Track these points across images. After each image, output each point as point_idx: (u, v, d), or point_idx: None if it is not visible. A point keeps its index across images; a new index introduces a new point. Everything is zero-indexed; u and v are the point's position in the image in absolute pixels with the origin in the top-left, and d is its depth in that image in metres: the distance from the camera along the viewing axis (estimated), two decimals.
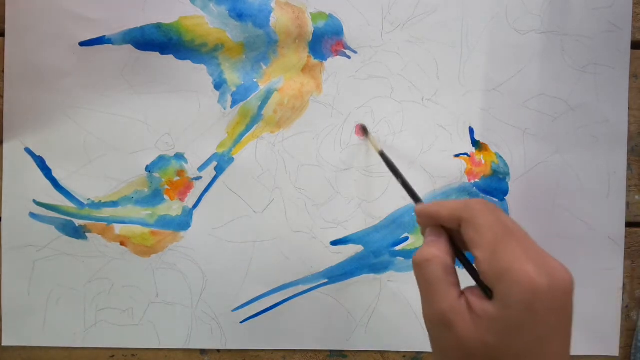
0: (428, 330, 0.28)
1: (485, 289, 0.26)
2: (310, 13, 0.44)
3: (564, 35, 0.45)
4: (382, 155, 0.41)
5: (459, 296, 0.27)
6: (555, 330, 0.25)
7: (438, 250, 0.28)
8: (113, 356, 0.45)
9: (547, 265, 0.25)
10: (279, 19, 0.44)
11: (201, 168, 0.45)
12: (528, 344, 0.25)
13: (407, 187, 0.36)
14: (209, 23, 0.44)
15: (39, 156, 0.44)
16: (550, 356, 0.25)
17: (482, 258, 0.26)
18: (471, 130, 0.45)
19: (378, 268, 0.45)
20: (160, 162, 0.44)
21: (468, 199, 0.28)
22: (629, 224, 0.46)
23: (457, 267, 0.28)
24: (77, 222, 0.44)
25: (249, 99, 0.44)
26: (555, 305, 0.25)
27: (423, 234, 0.31)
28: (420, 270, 0.28)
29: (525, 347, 0.25)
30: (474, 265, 0.27)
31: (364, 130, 0.44)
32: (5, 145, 0.44)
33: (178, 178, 0.45)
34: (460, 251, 0.30)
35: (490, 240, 0.26)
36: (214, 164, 0.45)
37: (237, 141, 0.45)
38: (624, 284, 0.46)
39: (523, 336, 0.24)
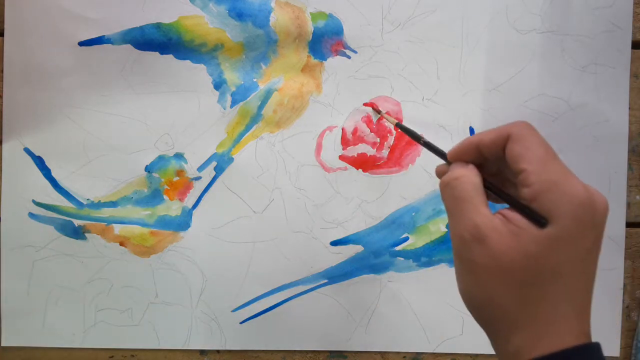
0: (455, 250, 0.27)
1: (524, 207, 0.26)
2: (310, 13, 0.44)
3: (564, 35, 0.45)
4: (399, 126, 0.40)
5: (492, 213, 0.26)
6: (595, 248, 0.25)
7: (468, 171, 0.28)
8: (112, 357, 0.45)
9: (586, 185, 0.25)
10: (278, 18, 0.44)
11: (201, 168, 0.44)
12: (573, 257, 0.25)
13: (432, 148, 0.33)
14: (208, 23, 0.44)
15: (38, 156, 0.44)
16: (589, 274, 0.25)
17: (532, 170, 0.25)
18: (471, 130, 0.45)
19: (378, 268, 0.45)
20: (159, 162, 0.44)
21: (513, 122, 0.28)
22: (629, 224, 0.46)
23: None
24: (77, 222, 0.44)
25: (248, 98, 0.44)
26: (597, 223, 0.25)
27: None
28: (449, 189, 0.27)
29: (569, 259, 0.25)
30: (514, 198, 0.27)
31: (376, 111, 0.44)
32: (4, 145, 0.44)
33: (177, 178, 0.44)
34: (491, 183, 0.28)
35: (540, 155, 0.26)
36: (214, 164, 0.44)
37: (236, 141, 0.44)
38: (624, 284, 0.46)
39: (570, 249, 0.24)
